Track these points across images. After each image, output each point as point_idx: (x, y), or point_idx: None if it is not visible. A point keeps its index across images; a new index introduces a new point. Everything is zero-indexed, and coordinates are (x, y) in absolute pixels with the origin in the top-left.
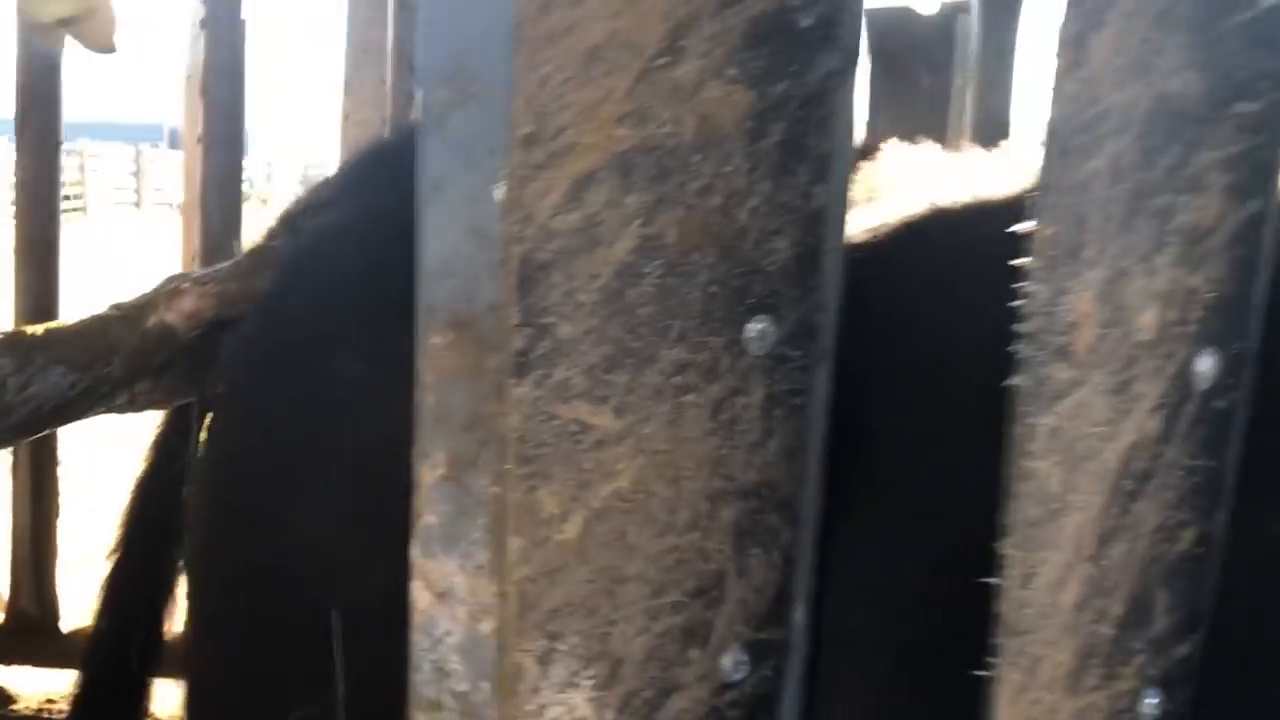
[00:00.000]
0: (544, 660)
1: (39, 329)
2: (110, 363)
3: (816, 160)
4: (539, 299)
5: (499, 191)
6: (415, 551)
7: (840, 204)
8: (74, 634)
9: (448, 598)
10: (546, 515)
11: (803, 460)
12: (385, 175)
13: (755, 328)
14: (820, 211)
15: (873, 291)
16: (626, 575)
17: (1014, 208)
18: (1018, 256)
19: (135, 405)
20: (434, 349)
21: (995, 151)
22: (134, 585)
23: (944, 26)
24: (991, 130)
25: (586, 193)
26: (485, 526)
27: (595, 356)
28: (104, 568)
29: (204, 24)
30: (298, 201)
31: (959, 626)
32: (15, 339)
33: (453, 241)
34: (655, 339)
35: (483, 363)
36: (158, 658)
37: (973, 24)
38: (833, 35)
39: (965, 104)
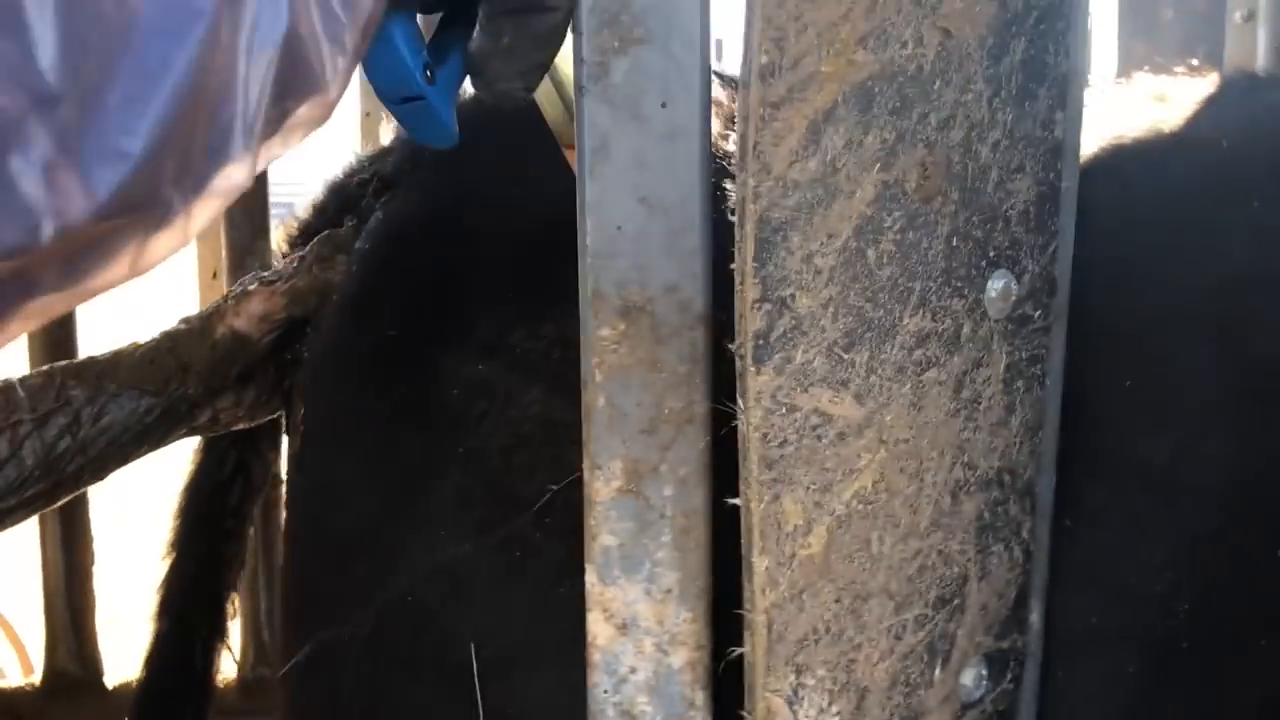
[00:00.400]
0: (794, 699)
1: (106, 354)
2: (185, 381)
3: (1056, 82)
4: (778, 267)
5: (732, 141)
6: (591, 579)
7: (1077, 134)
8: (119, 690)
9: (631, 629)
10: (791, 528)
11: (1042, 439)
12: (465, 149)
13: (997, 285)
14: (1060, 144)
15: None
16: (870, 590)
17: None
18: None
19: (220, 423)
20: (603, 342)
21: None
22: (192, 584)
23: None
24: None
25: (825, 134)
26: (671, 544)
27: (835, 333)
28: (159, 570)
29: None
30: (350, 174)
31: (1211, 618)
32: (83, 367)
33: (620, 214)
34: (896, 305)
35: (659, 355)
36: (218, 659)
37: None
38: None
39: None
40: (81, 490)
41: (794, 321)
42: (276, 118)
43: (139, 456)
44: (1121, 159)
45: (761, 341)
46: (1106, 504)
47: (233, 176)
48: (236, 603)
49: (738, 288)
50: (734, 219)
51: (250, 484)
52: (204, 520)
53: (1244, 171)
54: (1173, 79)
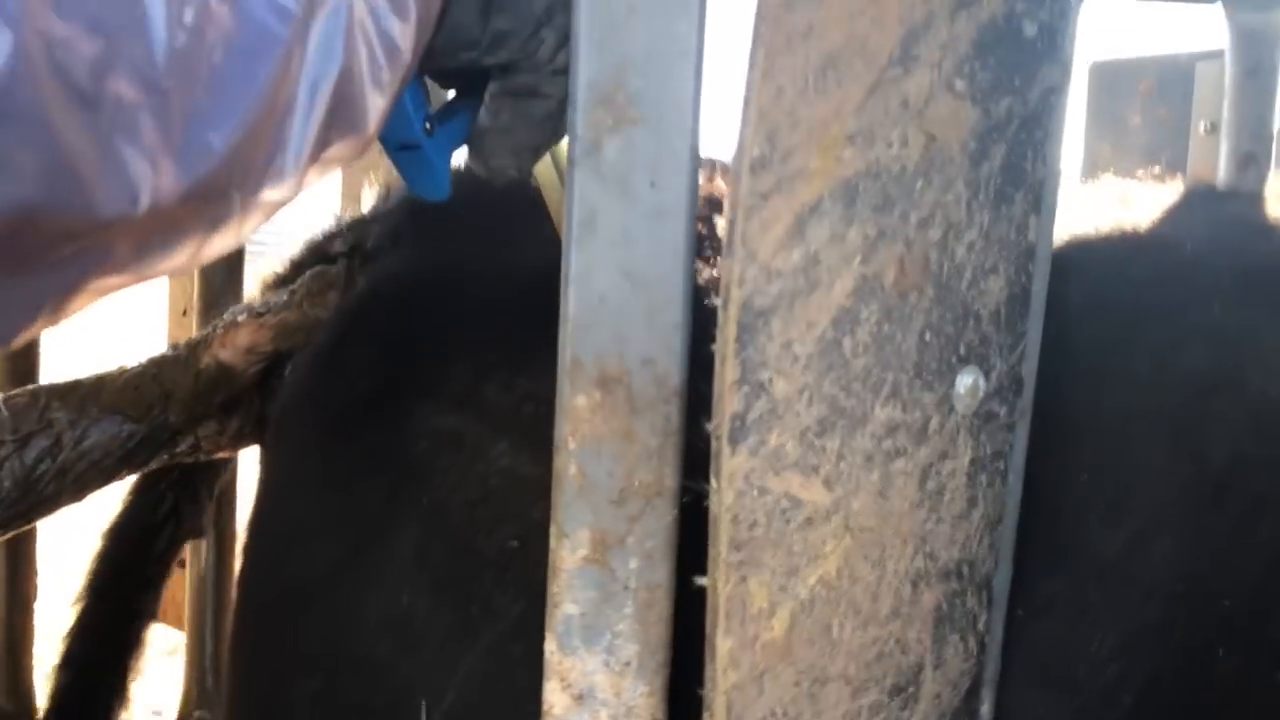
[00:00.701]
0: None
1: (90, 378)
2: (167, 408)
3: (1033, 188)
4: (757, 352)
5: (720, 226)
6: (550, 646)
7: (1049, 239)
8: None
9: (588, 700)
10: (755, 610)
11: (1001, 532)
12: (448, 214)
13: (966, 381)
14: (1033, 247)
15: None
16: (829, 675)
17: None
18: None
19: (201, 451)
20: (578, 410)
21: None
22: (101, 636)
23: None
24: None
25: (809, 226)
26: (633, 616)
27: (809, 419)
28: (69, 617)
29: None
30: (329, 238)
31: (1154, 712)
32: (68, 390)
33: (603, 287)
34: (869, 395)
35: (633, 426)
36: (119, 714)
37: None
38: (1055, 46)
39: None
40: (57, 510)
41: (770, 405)
42: (320, 146)
43: (117, 480)
44: (1087, 258)
45: (739, 423)
46: (1059, 595)
47: (280, 192)
48: (182, 646)
49: (718, 368)
50: (716, 300)
51: (179, 531)
52: (125, 567)
53: (1206, 277)
54: (1138, 184)
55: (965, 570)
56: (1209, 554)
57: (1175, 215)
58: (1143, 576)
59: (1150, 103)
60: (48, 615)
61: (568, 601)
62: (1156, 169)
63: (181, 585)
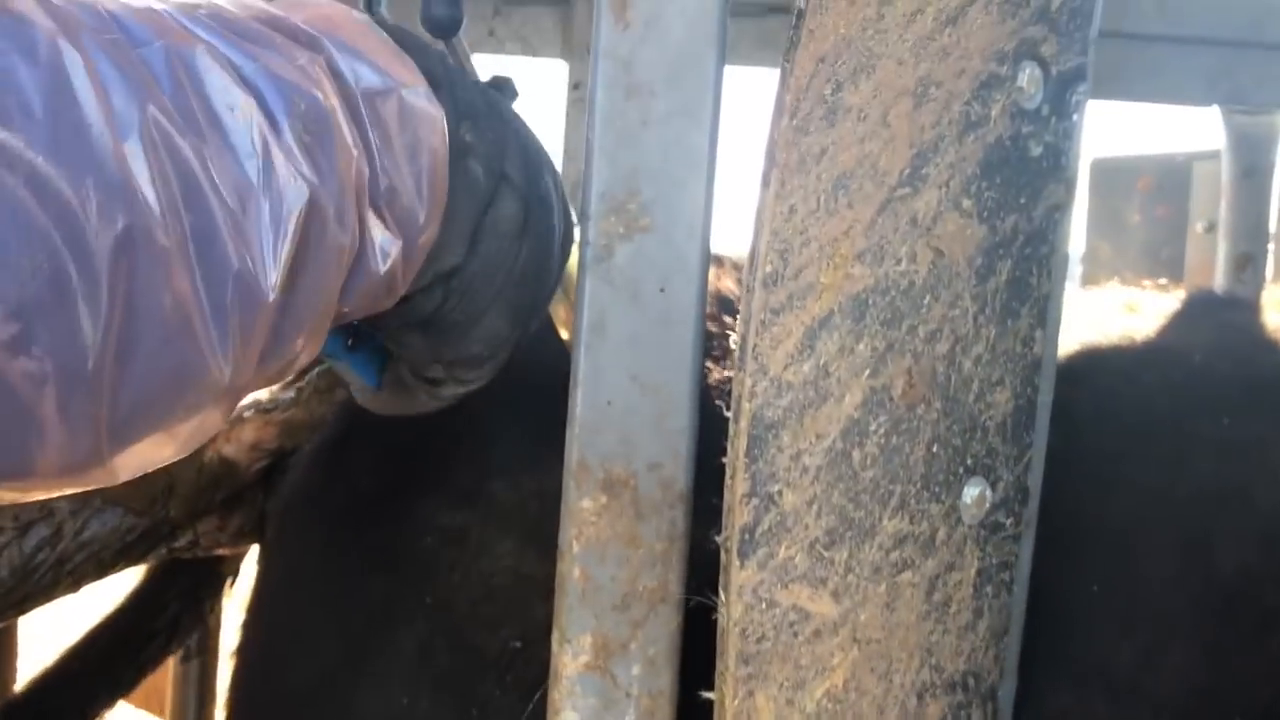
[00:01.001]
0: None
1: None
2: (168, 503)
3: (1038, 302)
4: (767, 464)
5: (733, 340)
6: None
7: (1054, 352)
8: None
9: None
10: None
11: (1007, 644)
12: None
13: (972, 492)
14: (1039, 360)
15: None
16: None
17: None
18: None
19: (200, 547)
20: (583, 513)
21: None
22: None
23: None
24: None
25: (820, 340)
26: None
27: (817, 530)
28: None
29: None
30: None
31: None
32: None
33: (611, 390)
34: (876, 507)
35: (639, 530)
36: None
37: (1221, 169)
38: (1059, 165)
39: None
40: (50, 601)
41: (779, 518)
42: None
43: (114, 573)
44: (1095, 367)
45: (747, 535)
46: (1069, 709)
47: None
48: None
49: (728, 481)
50: (723, 403)
51: (172, 641)
52: (108, 654)
53: (1213, 387)
54: (1141, 291)
55: (971, 682)
56: (1220, 669)
57: (1181, 323)
58: (1153, 691)
59: (1148, 201)
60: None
61: (568, 709)
62: (1161, 279)
63: (165, 673)
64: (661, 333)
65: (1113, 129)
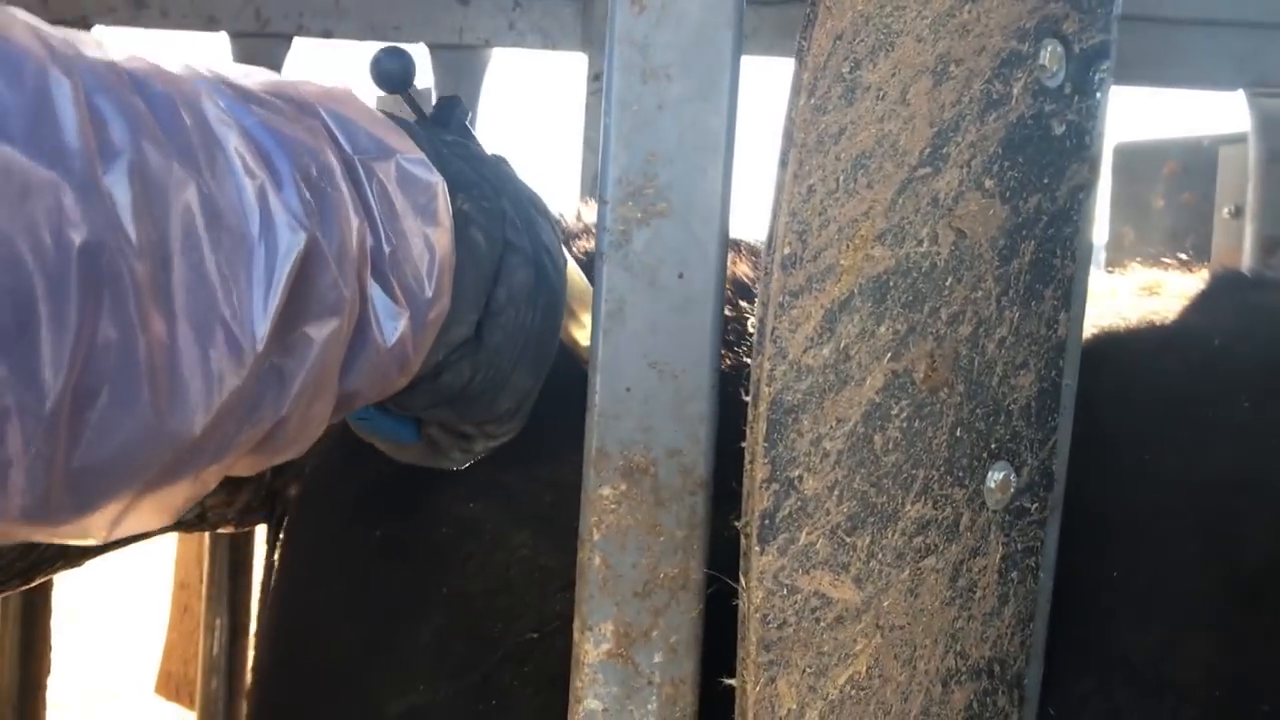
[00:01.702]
0: None
1: None
2: None
3: (1062, 284)
4: (787, 448)
5: (751, 324)
6: None
7: (1079, 334)
8: None
9: None
10: (784, 711)
11: (1033, 630)
12: None
13: (996, 477)
14: (1063, 342)
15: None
16: None
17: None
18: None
19: (207, 521)
20: (603, 501)
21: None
22: None
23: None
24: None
25: (840, 323)
26: (657, 712)
27: (839, 516)
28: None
29: None
30: None
31: None
32: None
33: (630, 377)
34: (899, 492)
35: (659, 517)
36: None
37: (1248, 153)
38: (1083, 144)
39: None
40: (53, 574)
41: (800, 503)
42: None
43: (119, 546)
44: (1115, 349)
45: (767, 521)
46: (1090, 695)
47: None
48: None
49: (747, 466)
50: (741, 388)
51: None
52: None
53: (1234, 370)
54: (1164, 272)
55: (996, 669)
56: (1243, 656)
57: (1202, 305)
58: (1175, 678)
59: (1174, 186)
60: (58, 694)
61: (590, 697)
62: (1182, 255)
63: (194, 664)
64: (680, 318)
65: (1137, 113)
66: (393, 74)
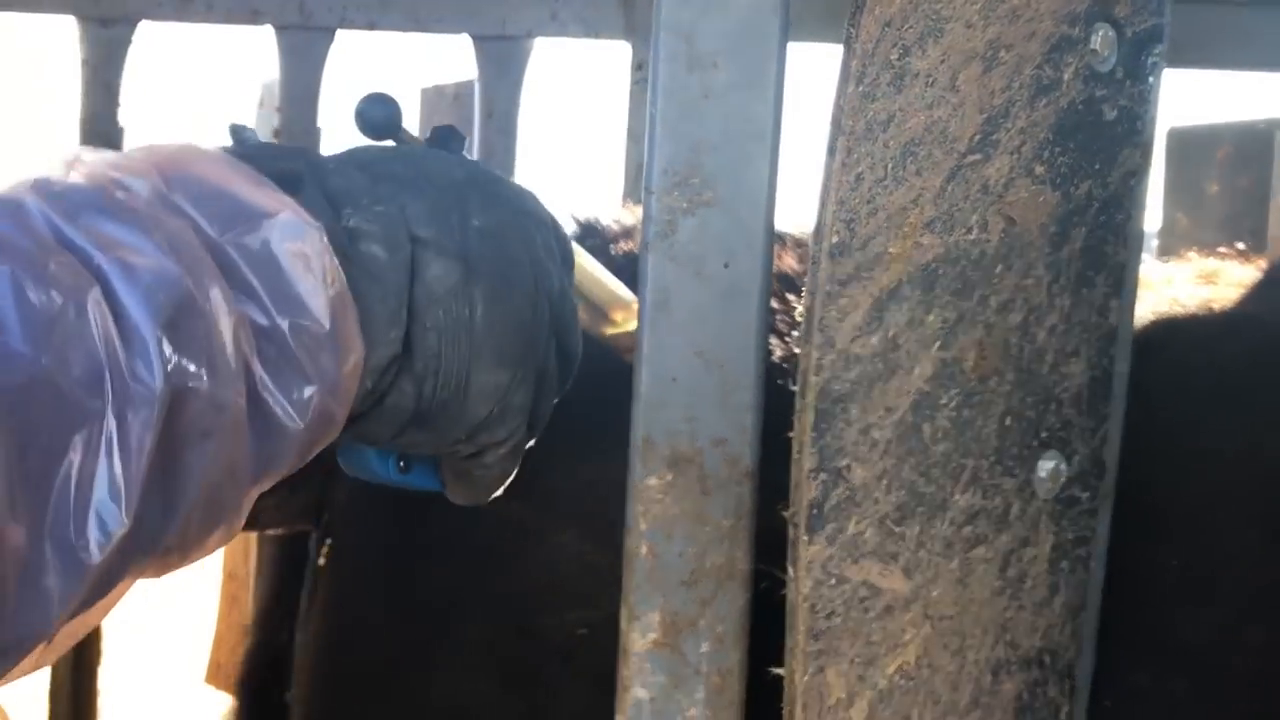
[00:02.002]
0: None
1: None
2: None
3: (1114, 271)
4: (835, 438)
5: (798, 313)
6: None
7: (1130, 321)
8: None
9: None
10: (833, 700)
11: (1084, 620)
12: None
13: (1047, 466)
14: (1115, 330)
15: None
16: None
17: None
18: None
19: (258, 524)
20: (649, 490)
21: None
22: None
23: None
24: None
25: (888, 311)
26: (705, 701)
27: (887, 505)
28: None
29: None
30: None
31: None
32: None
33: (676, 367)
34: (948, 482)
35: (705, 507)
36: None
37: None
38: (1135, 129)
39: None
40: None
41: (848, 493)
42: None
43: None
44: (1173, 337)
45: (815, 511)
46: (1148, 687)
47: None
48: None
49: (795, 456)
50: (786, 380)
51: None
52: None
53: None
54: (1220, 260)
55: (1047, 659)
56: None
57: (1260, 292)
58: (1236, 666)
59: (1228, 171)
60: (110, 682)
61: (638, 686)
62: (1240, 244)
63: (236, 653)
64: (726, 308)
65: (1190, 97)
66: (379, 122)
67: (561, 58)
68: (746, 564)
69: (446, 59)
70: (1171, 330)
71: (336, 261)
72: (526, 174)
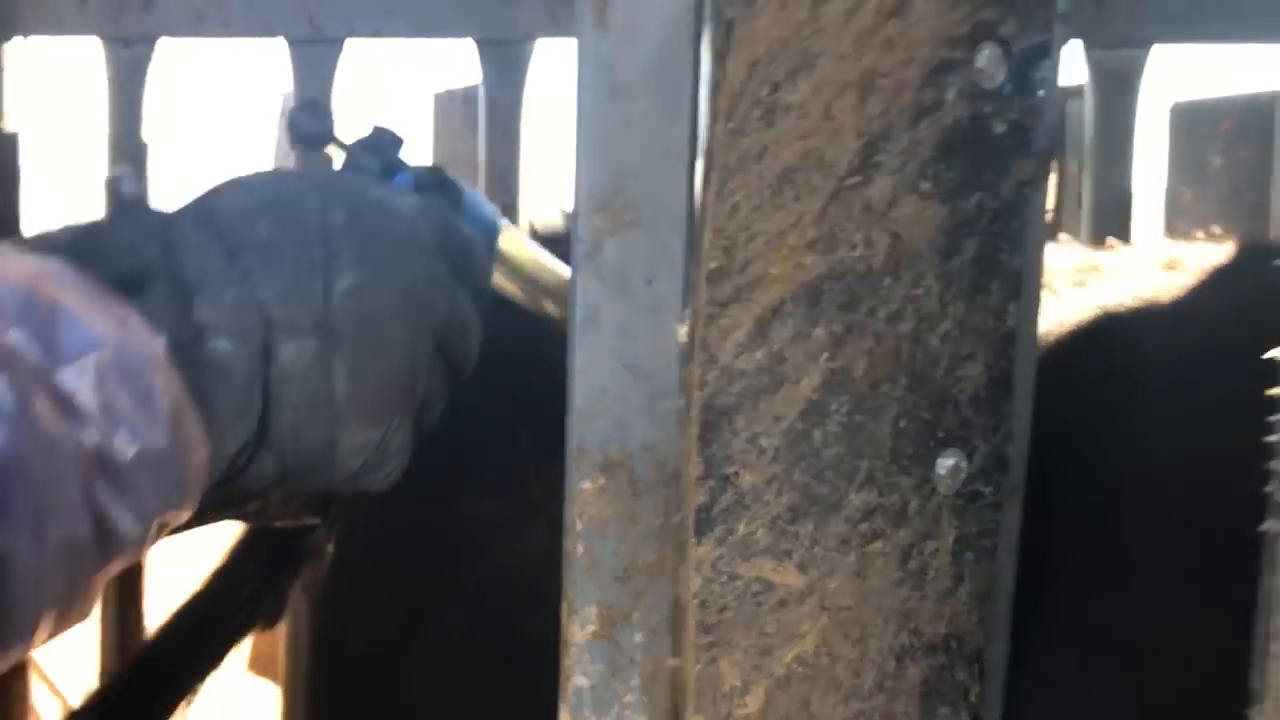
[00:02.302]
0: None
1: None
2: None
3: (1009, 276)
4: (721, 448)
5: (681, 333)
6: (564, 718)
7: (1032, 323)
8: None
9: None
10: (728, 689)
11: (993, 607)
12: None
13: (946, 463)
14: (1013, 332)
15: (1046, 402)
16: None
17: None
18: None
19: (266, 515)
20: (584, 494)
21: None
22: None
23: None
24: (1110, 217)
25: (772, 328)
26: (640, 687)
27: (779, 507)
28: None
29: None
30: None
31: None
32: None
33: (604, 378)
34: (841, 483)
35: (636, 508)
36: None
37: (1085, 107)
38: (1027, 141)
39: (1081, 190)
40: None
41: (737, 497)
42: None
43: (181, 532)
44: (1110, 326)
45: (704, 514)
46: (1066, 669)
47: None
48: None
49: (685, 466)
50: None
51: (253, 618)
52: (191, 642)
53: (1235, 345)
54: (1188, 245)
55: (954, 644)
56: (1222, 628)
57: (1219, 278)
58: (1154, 651)
59: (1231, 144)
60: None
61: (579, 674)
62: (1245, 224)
63: (276, 642)
64: (650, 321)
65: (1192, 70)
66: (314, 134)
67: (566, 60)
68: (675, 560)
69: (459, 63)
70: (1112, 323)
71: (175, 373)
72: (531, 176)
